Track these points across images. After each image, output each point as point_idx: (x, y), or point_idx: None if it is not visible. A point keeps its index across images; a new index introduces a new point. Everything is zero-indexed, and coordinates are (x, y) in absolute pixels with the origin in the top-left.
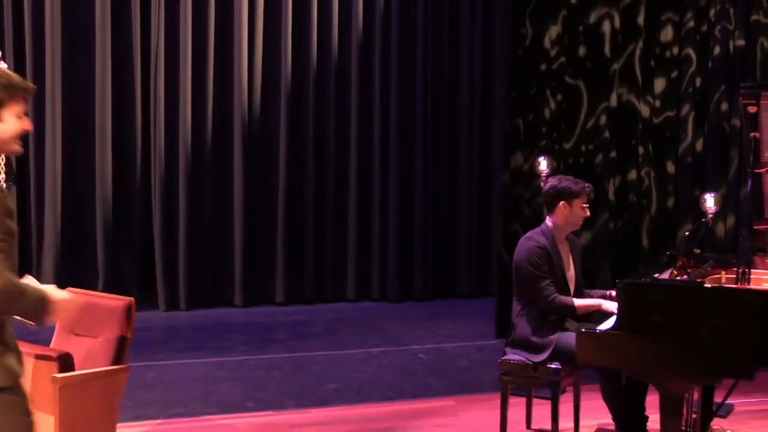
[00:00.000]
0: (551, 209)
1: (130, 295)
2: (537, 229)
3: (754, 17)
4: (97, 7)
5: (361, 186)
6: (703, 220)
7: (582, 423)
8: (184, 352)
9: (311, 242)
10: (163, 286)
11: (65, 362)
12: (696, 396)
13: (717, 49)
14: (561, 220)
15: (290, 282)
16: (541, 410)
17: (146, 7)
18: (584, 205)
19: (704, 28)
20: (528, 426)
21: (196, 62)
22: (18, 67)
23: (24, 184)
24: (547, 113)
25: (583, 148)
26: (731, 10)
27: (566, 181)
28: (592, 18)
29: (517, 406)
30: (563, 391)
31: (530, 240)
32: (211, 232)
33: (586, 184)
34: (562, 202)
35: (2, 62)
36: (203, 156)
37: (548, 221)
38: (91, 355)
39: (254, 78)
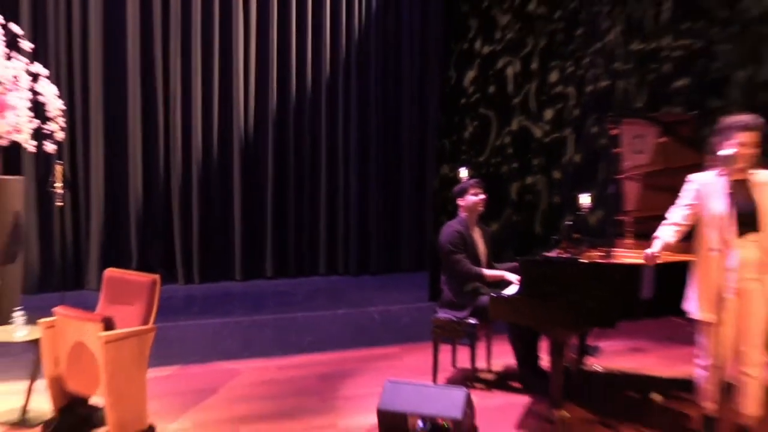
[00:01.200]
0: (458, 206)
1: (155, 273)
2: (455, 220)
3: (615, 65)
4: (129, 47)
5: (330, 189)
6: (580, 213)
7: (492, 362)
8: (197, 315)
9: (293, 231)
10: (182, 265)
11: (108, 324)
12: (574, 341)
13: (589, 88)
14: (465, 210)
15: (277, 261)
16: (463, 354)
17: (166, 53)
18: (474, 194)
19: (580, 72)
20: (453, 365)
21: (204, 93)
22: (69, 93)
23: (74, 187)
24: (466, 135)
25: (493, 160)
26: (599, 60)
27: (460, 185)
28: (499, 65)
29: (445, 352)
30: (479, 340)
31: (450, 227)
32: (218, 223)
33: (471, 180)
34: (459, 199)
35: (54, 86)
36: (210, 165)
37: (460, 213)
38: (127, 318)
39: (249, 103)
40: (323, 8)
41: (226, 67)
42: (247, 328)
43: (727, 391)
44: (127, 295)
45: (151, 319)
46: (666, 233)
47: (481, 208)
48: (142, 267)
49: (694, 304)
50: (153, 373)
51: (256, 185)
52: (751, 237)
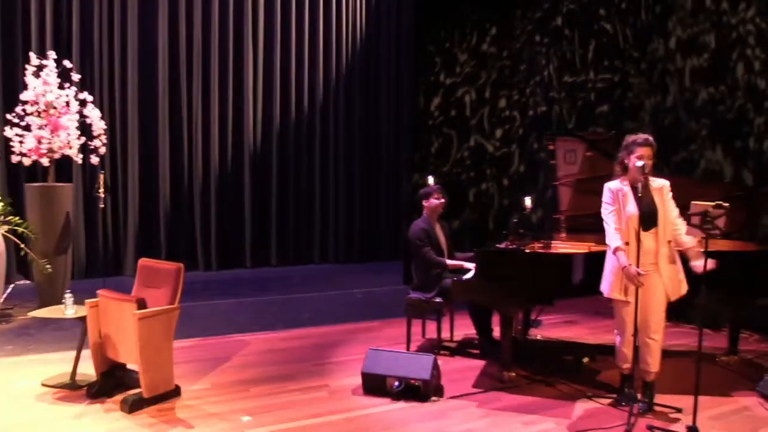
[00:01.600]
0: (421, 208)
1: (180, 262)
2: (420, 218)
3: (551, 94)
4: (159, 76)
5: (322, 193)
6: (524, 213)
7: (455, 333)
8: (214, 297)
9: (293, 227)
10: (202, 255)
11: (141, 304)
12: (520, 316)
13: (531, 112)
14: (428, 210)
15: (280, 251)
16: (431, 327)
17: (190, 80)
18: (436, 198)
19: (523, 99)
20: (423, 336)
21: (220, 112)
22: (110, 115)
23: (114, 192)
24: (432, 150)
25: (454, 170)
26: (538, 89)
27: (425, 189)
28: (459, 93)
29: (416, 325)
30: (444, 315)
31: (416, 225)
32: (231, 220)
33: (435, 186)
34: (424, 201)
35: (98, 110)
36: (225, 173)
37: (425, 213)
38: (157, 299)
39: (257, 122)
40: (317, 46)
41: (238, 90)
42: (255, 306)
43: (637, 353)
44: (157, 280)
45: (177, 300)
46: (618, 240)
47: (441, 210)
48: (170, 257)
49: (607, 286)
50: (178, 344)
51: (263, 190)
52: (651, 231)
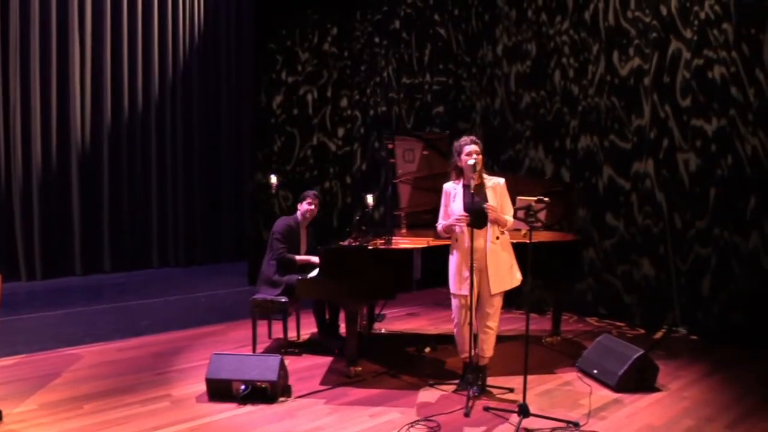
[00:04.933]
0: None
1: None
2: (291, 216)
3: (390, 95)
4: None
5: (160, 193)
6: (366, 210)
7: (302, 332)
8: (40, 308)
9: (128, 229)
10: (24, 263)
11: None
12: (365, 310)
13: (371, 113)
14: (301, 214)
15: (114, 256)
16: (277, 327)
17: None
18: (308, 204)
19: (364, 99)
20: (269, 337)
21: (42, 105)
22: None
23: None
24: (276, 148)
25: (298, 169)
26: (378, 90)
27: (304, 192)
28: (301, 92)
29: (262, 326)
30: (290, 315)
31: (284, 220)
32: (57, 223)
33: (309, 192)
34: (299, 203)
35: None
36: (49, 173)
37: (297, 214)
38: None
39: (85, 113)
40: (152, 41)
41: (62, 86)
42: (87, 316)
43: (475, 341)
44: None
45: None
46: (440, 223)
47: (309, 216)
48: None
49: (449, 281)
50: (1, 362)
51: (94, 190)
52: (481, 230)
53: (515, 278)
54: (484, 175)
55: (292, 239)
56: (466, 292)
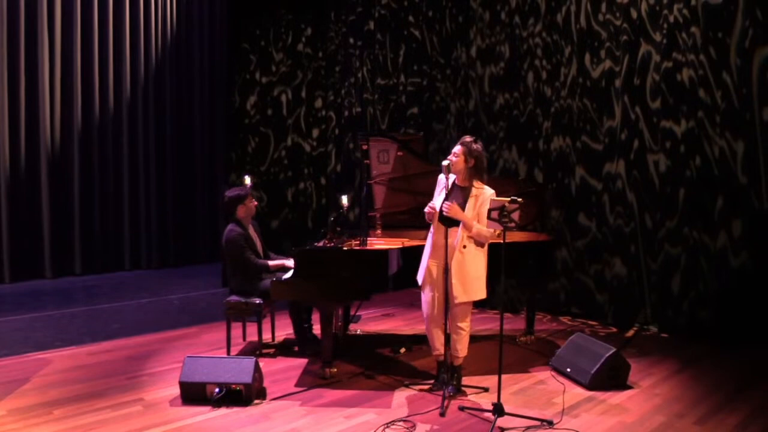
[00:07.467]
0: (234, 211)
1: None
2: (233, 224)
3: (365, 96)
4: None
5: (132, 194)
6: (341, 211)
7: (277, 334)
8: (8, 312)
9: (99, 231)
10: None
11: None
12: (340, 312)
13: (346, 113)
14: (243, 214)
15: (85, 258)
16: (252, 329)
17: None
18: (251, 201)
19: (339, 100)
20: (244, 339)
21: (10, 105)
22: None
23: None
24: (249, 149)
25: (272, 170)
26: (353, 91)
27: (234, 191)
28: (275, 92)
29: (237, 329)
30: (264, 316)
31: (232, 231)
32: (26, 225)
33: (246, 188)
34: (240, 205)
35: None
36: (17, 175)
37: (238, 216)
38: None
39: (55, 114)
40: (123, 41)
41: (31, 86)
42: (57, 320)
43: (448, 341)
44: None
45: None
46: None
47: (252, 213)
48: None
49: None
50: None
51: (64, 192)
52: (454, 229)
53: (478, 293)
54: (476, 182)
55: (249, 244)
56: (428, 290)
